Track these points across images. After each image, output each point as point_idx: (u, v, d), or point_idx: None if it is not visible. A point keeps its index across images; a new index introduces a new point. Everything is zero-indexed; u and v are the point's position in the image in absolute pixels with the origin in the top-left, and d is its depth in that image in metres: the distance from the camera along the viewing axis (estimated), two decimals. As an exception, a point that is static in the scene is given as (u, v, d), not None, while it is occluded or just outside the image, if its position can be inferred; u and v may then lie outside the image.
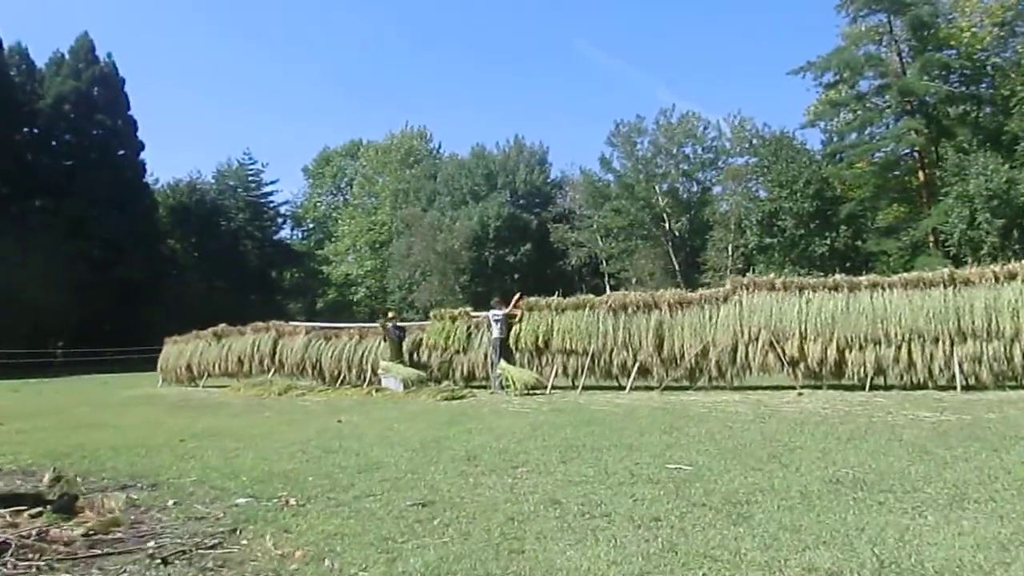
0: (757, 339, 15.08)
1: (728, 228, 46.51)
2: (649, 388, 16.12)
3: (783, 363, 14.83)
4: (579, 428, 10.43)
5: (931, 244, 40.85)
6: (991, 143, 40.59)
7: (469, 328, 18.91)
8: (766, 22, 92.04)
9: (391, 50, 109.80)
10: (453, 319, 19.35)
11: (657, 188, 50.77)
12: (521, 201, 61.00)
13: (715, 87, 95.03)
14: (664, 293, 16.55)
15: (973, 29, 44.09)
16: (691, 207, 51.39)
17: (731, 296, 15.65)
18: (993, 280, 13.49)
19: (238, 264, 64.21)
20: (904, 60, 45.14)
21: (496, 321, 17.73)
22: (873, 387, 14.23)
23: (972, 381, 13.61)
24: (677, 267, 48.31)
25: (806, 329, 14.64)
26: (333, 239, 74.05)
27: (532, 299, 18.24)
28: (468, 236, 55.42)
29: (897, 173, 46.88)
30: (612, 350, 16.57)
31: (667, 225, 50.21)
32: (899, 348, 13.97)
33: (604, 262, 53.41)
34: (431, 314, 20.65)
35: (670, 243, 49.74)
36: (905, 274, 14.48)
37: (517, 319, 17.84)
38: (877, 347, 14.16)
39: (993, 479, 6.20)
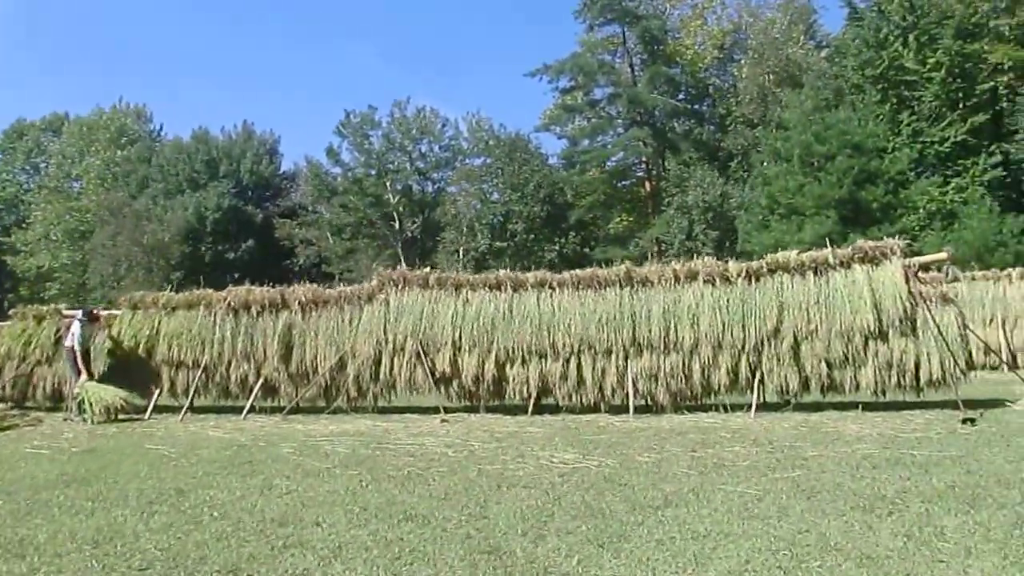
0: (404, 349, 11.87)
1: (460, 230, 44.06)
2: (281, 409, 12.46)
3: (433, 380, 11.71)
4: (39, 492, 6.50)
5: (655, 253, 40.83)
6: (710, 158, 41.48)
7: (59, 332, 14.22)
8: (512, 22, 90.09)
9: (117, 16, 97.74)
10: (39, 320, 14.58)
11: (389, 185, 47.33)
12: (249, 193, 55.30)
13: (461, 85, 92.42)
14: (296, 289, 12.86)
15: (697, 48, 45.17)
16: (425, 207, 48.47)
17: (376, 294, 12.33)
18: (673, 280, 11.14)
19: None
20: (636, 72, 45.34)
21: (80, 323, 13.24)
22: (540, 410, 11.49)
23: (649, 401, 11.21)
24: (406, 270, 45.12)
25: (460, 337, 11.61)
26: (25, 226, 63.58)
27: (137, 294, 14.04)
28: (181, 228, 49.08)
29: (628, 182, 47.06)
30: (230, 362, 12.70)
31: (397, 225, 46.94)
32: (567, 362, 11.29)
33: (331, 262, 49.21)
34: (11, 312, 15.67)
35: (400, 243, 46.49)
36: (578, 271, 11.83)
37: (109, 325, 13.52)
38: (543, 361, 11.40)
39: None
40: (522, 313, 11.49)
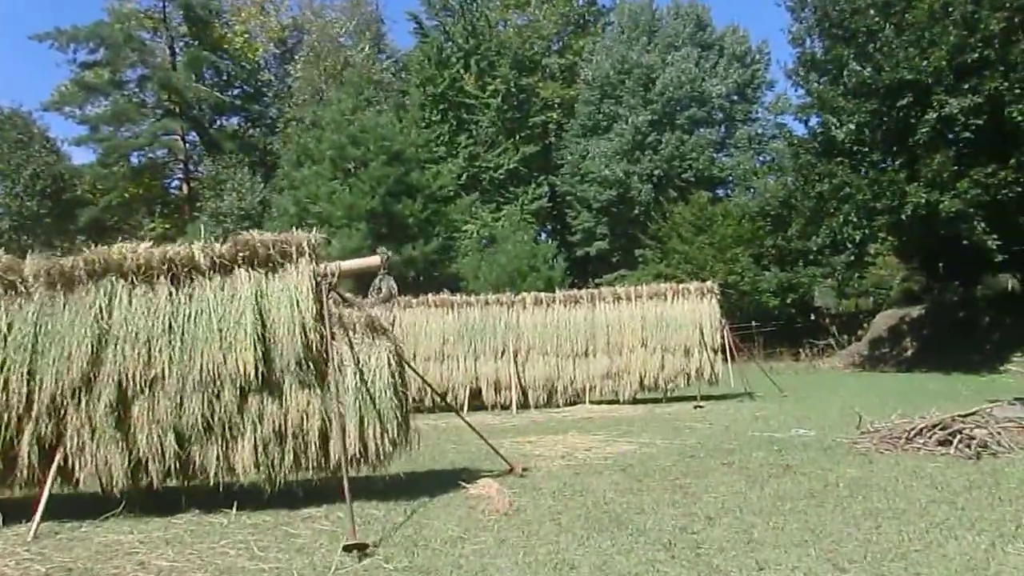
0: None
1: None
2: None
3: None
4: None
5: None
6: (261, 162, 37.18)
7: None
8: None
9: None
10: None
11: None
12: None
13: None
14: None
15: (247, 35, 40.51)
16: None
17: None
18: None
19: None
20: (178, 56, 39.33)
21: None
22: None
23: None
24: None
25: None
26: None
27: None
28: None
29: (165, 181, 40.57)
30: None
31: None
32: None
33: None
34: None
35: None
36: None
37: None
38: None
39: None
40: None
